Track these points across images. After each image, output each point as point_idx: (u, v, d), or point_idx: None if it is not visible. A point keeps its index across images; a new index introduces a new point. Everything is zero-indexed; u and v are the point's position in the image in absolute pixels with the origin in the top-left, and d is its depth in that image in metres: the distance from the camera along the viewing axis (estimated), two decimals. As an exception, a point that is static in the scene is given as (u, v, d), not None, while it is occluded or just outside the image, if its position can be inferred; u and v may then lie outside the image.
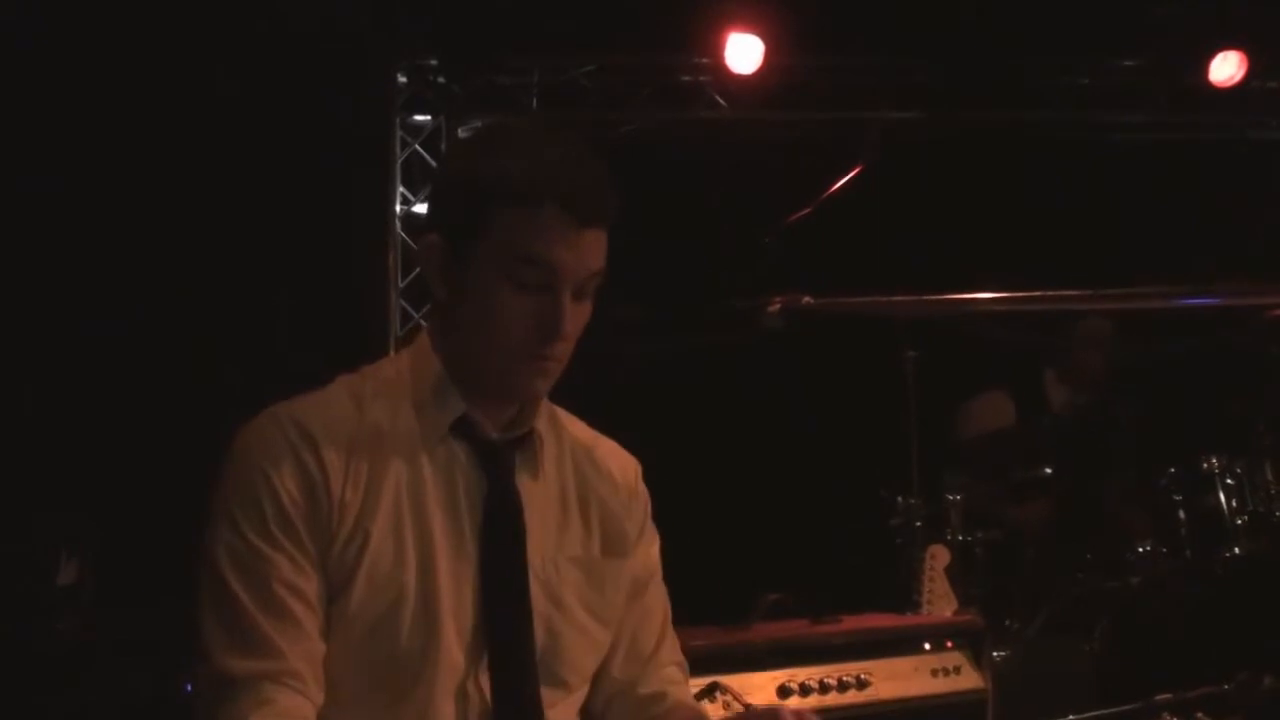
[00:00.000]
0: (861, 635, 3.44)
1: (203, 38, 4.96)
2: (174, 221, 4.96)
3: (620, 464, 1.97)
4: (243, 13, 5.00)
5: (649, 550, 1.98)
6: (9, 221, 4.57)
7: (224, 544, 1.68)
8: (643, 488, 1.99)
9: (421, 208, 5.97)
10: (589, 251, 1.74)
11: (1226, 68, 5.92)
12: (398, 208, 5.95)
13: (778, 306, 1.68)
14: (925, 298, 1.65)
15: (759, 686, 3.15)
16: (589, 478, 1.92)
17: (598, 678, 1.92)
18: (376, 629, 1.70)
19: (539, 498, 1.84)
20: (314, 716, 1.68)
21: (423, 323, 5.80)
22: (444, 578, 1.73)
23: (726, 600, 3.45)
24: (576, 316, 1.76)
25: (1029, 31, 5.74)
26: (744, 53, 5.72)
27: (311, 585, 1.68)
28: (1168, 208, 6.06)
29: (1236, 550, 4.62)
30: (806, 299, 1.69)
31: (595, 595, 1.86)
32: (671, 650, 2.00)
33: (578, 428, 1.97)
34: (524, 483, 1.83)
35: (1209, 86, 5.97)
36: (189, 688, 1.74)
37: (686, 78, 6.06)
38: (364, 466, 1.72)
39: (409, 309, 5.90)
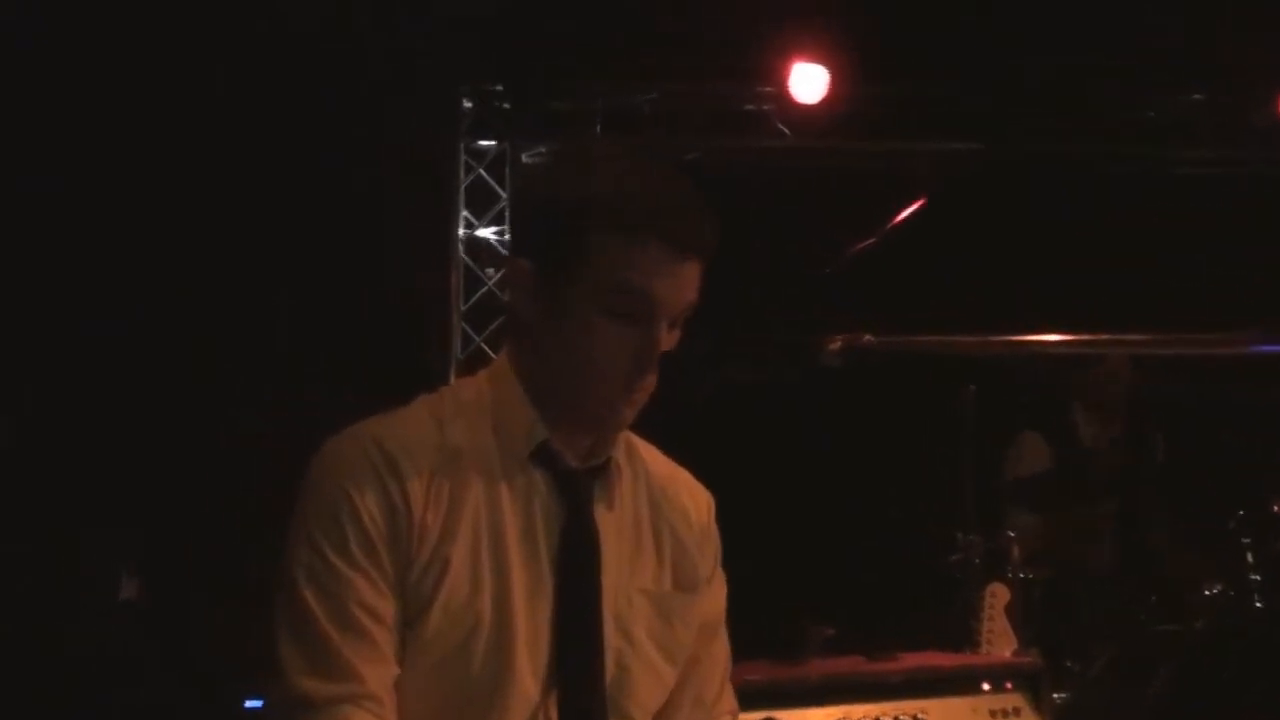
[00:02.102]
0: (919, 673, 3.39)
1: (272, 58, 5.01)
2: (239, 242, 5.01)
3: (695, 499, 1.93)
4: (311, 34, 5.05)
5: (719, 593, 1.94)
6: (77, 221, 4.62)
7: (304, 564, 1.66)
8: (715, 527, 1.95)
9: (485, 232, 6.01)
10: (687, 283, 1.70)
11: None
12: (461, 231, 5.99)
13: (838, 345, 1.65)
14: (987, 339, 1.62)
15: (814, 723, 3.11)
16: (664, 510, 1.88)
17: (659, 718, 1.88)
18: (450, 657, 1.67)
19: (613, 528, 1.81)
20: None
21: (484, 345, 5.89)
22: (519, 607, 1.70)
23: (781, 635, 3.42)
24: (666, 344, 1.72)
25: (1095, 63, 5.69)
26: (808, 82, 5.72)
27: (390, 608, 1.66)
28: (1233, 245, 5.97)
29: (1306, 596, 4.53)
30: (868, 337, 1.66)
31: (665, 630, 1.83)
32: (729, 699, 1.96)
33: (654, 457, 1.93)
34: (600, 513, 1.79)
35: (1277, 122, 5.88)
36: (259, 705, 1.73)
37: (750, 106, 6.05)
38: (445, 490, 1.70)
39: (470, 332, 5.93)
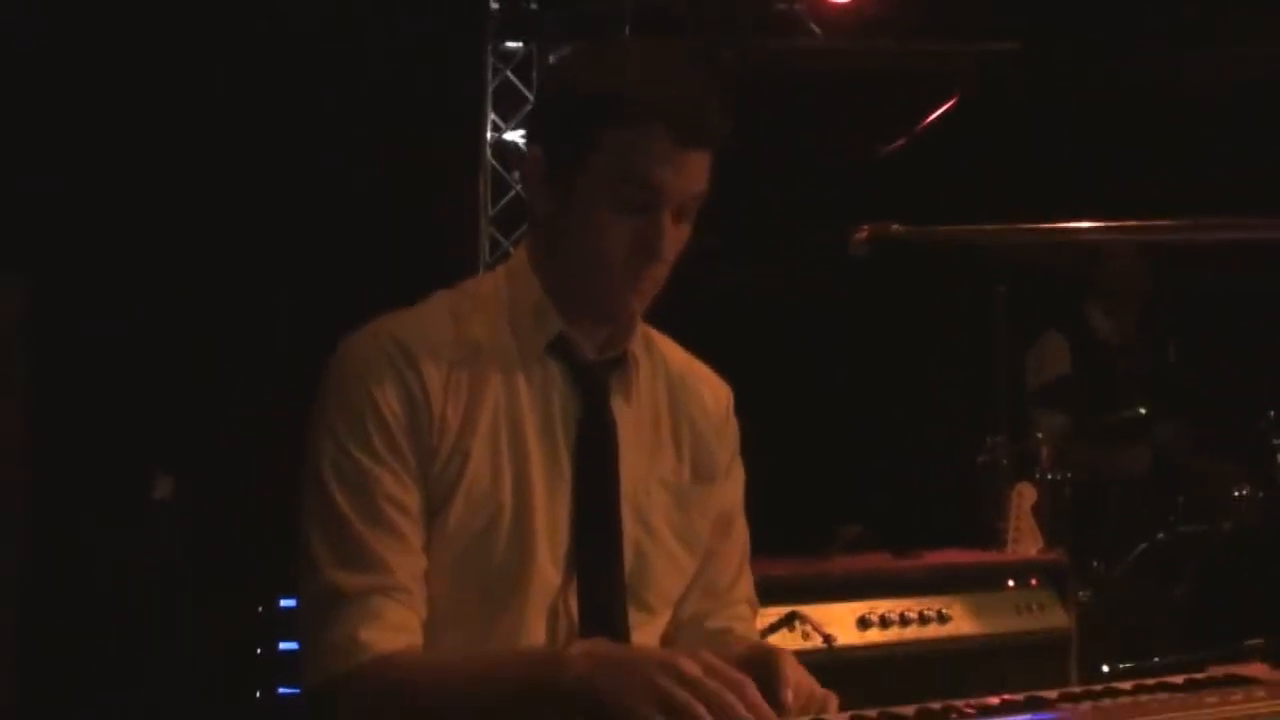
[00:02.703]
0: (944, 570, 3.43)
1: (279, 11, 4.97)
2: (267, 144, 5.00)
3: (713, 390, 1.95)
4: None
5: (736, 484, 1.96)
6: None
7: (329, 459, 1.68)
8: (734, 418, 1.97)
9: (512, 135, 5.97)
10: (692, 173, 1.70)
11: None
12: (489, 134, 5.94)
13: (865, 234, 1.64)
14: (1018, 226, 1.61)
15: (838, 618, 3.15)
16: (682, 402, 1.90)
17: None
18: (472, 546, 1.70)
19: (632, 420, 1.83)
20: (420, 629, 1.69)
21: (512, 250, 5.87)
22: (539, 497, 1.73)
23: (809, 532, 3.45)
24: (675, 239, 1.73)
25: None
26: (841, -19, 5.62)
27: (414, 499, 1.68)
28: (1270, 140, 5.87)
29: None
30: (895, 227, 1.65)
31: (683, 520, 1.85)
32: (745, 588, 1.98)
33: (672, 350, 1.95)
34: (617, 405, 1.81)
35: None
36: (294, 604, 1.76)
37: (782, 5, 5.95)
38: (463, 383, 1.72)
39: (499, 236, 5.90)
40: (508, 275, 1.83)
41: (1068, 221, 1.76)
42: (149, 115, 4.76)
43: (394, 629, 1.65)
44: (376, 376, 1.69)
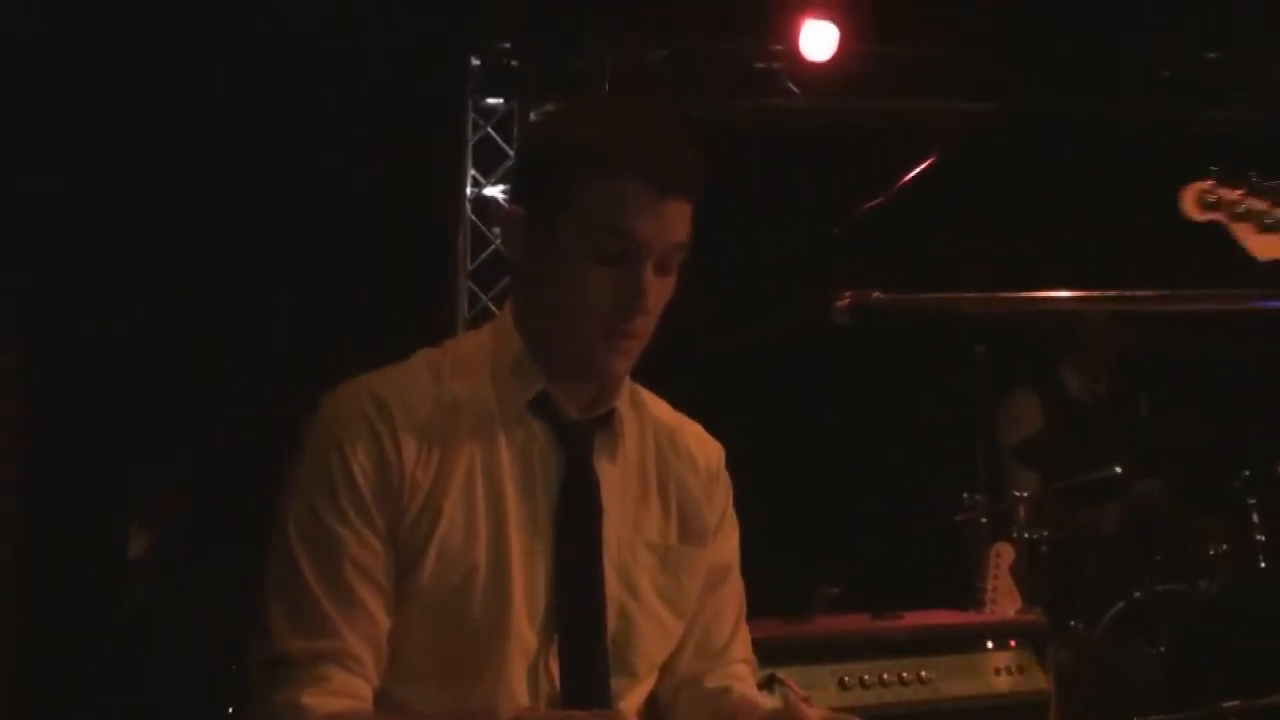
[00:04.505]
0: (923, 632, 3.42)
1: (279, 11, 4.99)
2: (242, 200, 5.01)
3: (703, 449, 1.93)
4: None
5: (729, 541, 1.94)
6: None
7: (295, 518, 1.67)
8: (725, 475, 1.94)
9: (492, 190, 5.99)
10: (671, 223, 1.70)
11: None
12: (469, 190, 5.96)
13: (847, 301, 1.65)
14: (997, 295, 1.62)
15: (819, 680, 3.13)
16: (670, 461, 1.88)
17: (666, 668, 1.88)
18: (447, 604, 1.68)
19: (617, 480, 1.81)
20: (370, 696, 1.67)
21: (491, 305, 5.88)
22: (516, 556, 1.71)
23: (787, 592, 3.44)
24: (659, 292, 1.72)
25: (1109, 22, 5.64)
26: (819, 40, 5.67)
27: (380, 564, 1.67)
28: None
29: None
30: (876, 294, 1.66)
31: (671, 583, 1.82)
32: (743, 646, 1.95)
33: (661, 409, 1.93)
34: (602, 465, 1.79)
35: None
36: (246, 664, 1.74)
37: (760, 64, 6.01)
38: (439, 443, 1.71)
39: (478, 291, 5.91)
40: (492, 333, 1.82)
41: (1045, 288, 1.77)
42: (126, 180, 4.78)
43: (338, 694, 1.63)
44: (350, 434, 1.68)
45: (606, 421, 1.81)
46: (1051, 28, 5.69)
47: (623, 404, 1.84)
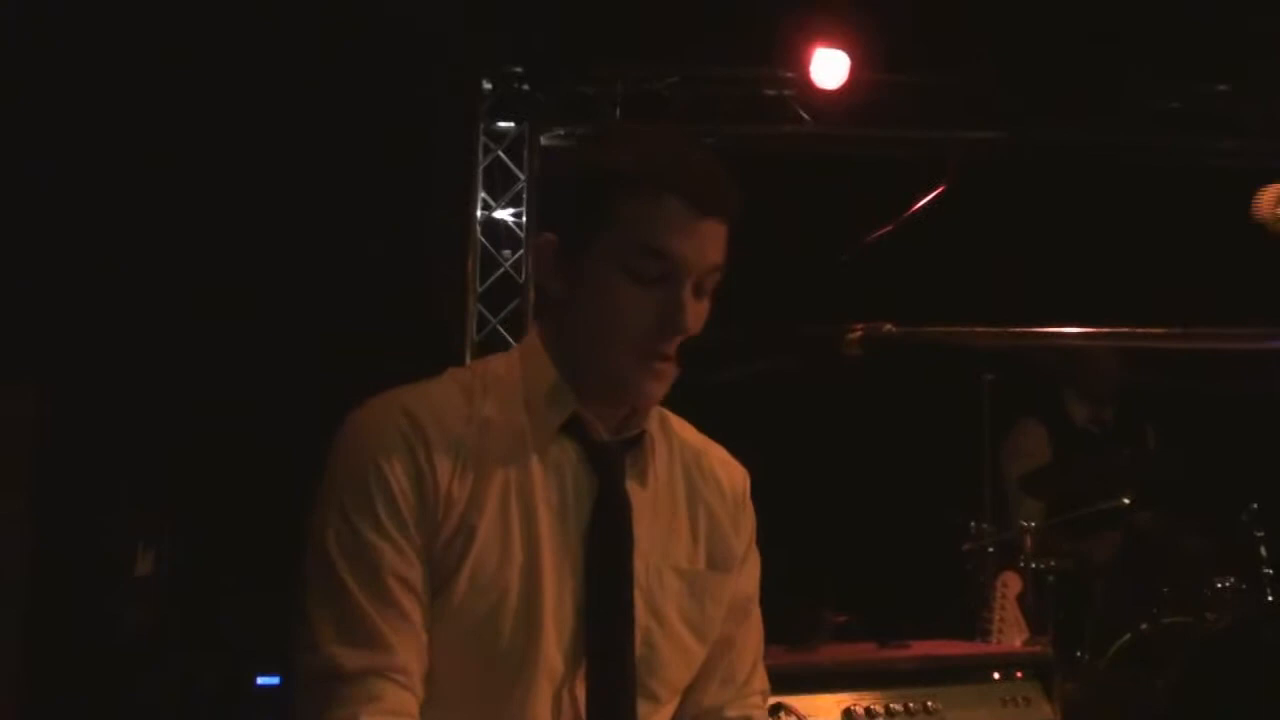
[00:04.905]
0: (930, 662, 3.40)
1: (290, 36, 5.02)
2: (253, 222, 5.03)
3: (729, 474, 1.93)
4: (331, 12, 5.05)
5: (754, 570, 1.95)
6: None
7: (334, 532, 1.67)
8: (749, 503, 1.95)
9: (502, 214, 6.02)
10: (708, 243, 1.71)
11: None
12: (479, 213, 5.99)
13: (859, 334, 1.64)
14: (1010, 329, 1.62)
15: (824, 709, 3.12)
16: (698, 486, 1.88)
17: (690, 697, 1.89)
18: (478, 627, 1.68)
19: (647, 504, 1.81)
20: (417, 713, 1.66)
21: (500, 328, 5.89)
22: (548, 580, 1.70)
23: (793, 621, 3.43)
24: (695, 315, 1.72)
25: (1120, 53, 5.66)
26: (830, 68, 5.70)
27: (419, 576, 1.67)
28: (1253, 238, 5.93)
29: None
30: (888, 327, 1.66)
31: (695, 609, 1.83)
32: (761, 679, 1.97)
33: (688, 432, 1.93)
34: (632, 487, 1.79)
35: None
36: (272, 682, 1.73)
37: (771, 91, 6.04)
38: (473, 462, 1.70)
39: (487, 313, 5.93)
40: (521, 359, 1.81)
41: (1053, 322, 1.77)
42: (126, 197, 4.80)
43: (394, 714, 1.63)
44: (386, 450, 1.68)
45: (636, 444, 1.82)
46: (1061, 58, 5.71)
47: (653, 426, 1.84)
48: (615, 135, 1.88)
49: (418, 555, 1.67)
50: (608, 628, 1.74)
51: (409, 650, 1.65)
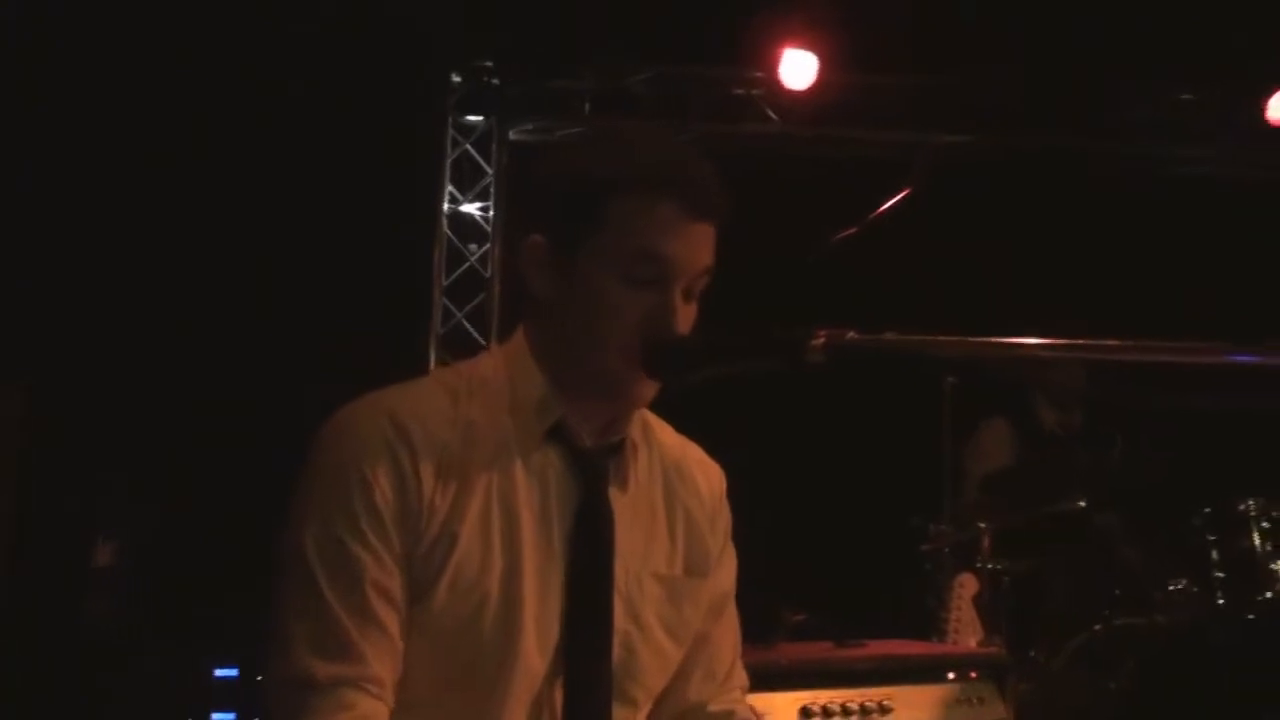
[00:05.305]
0: (886, 661, 3.43)
1: (258, 28, 5.00)
2: (220, 213, 5.01)
3: (707, 476, 1.95)
4: (302, 6, 5.04)
5: (729, 568, 1.96)
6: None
7: (313, 539, 1.65)
8: (725, 503, 1.97)
9: (469, 207, 6.01)
10: (700, 246, 1.72)
11: (1286, 107, 5.88)
12: (445, 206, 5.98)
13: (821, 341, 1.66)
14: (970, 340, 1.64)
15: (781, 708, 3.14)
16: (677, 490, 1.89)
17: (672, 694, 1.90)
18: (457, 632, 1.68)
19: (628, 509, 1.81)
20: None
21: (465, 322, 5.89)
22: (529, 585, 1.71)
23: (751, 619, 3.45)
24: (685, 318, 1.73)
25: (1086, 60, 5.71)
26: (798, 69, 5.73)
27: (397, 584, 1.66)
28: (1216, 249, 6.01)
29: (1269, 594, 4.58)
30: (851, 335, 1.68)
31: (674, 614, 1.84)
32: (740, 673, 1.99)
33: (665, 432, 1.94)
34: (613, 493, 1.80)
35: (1266, 125, 5.92)
36: (230, 674, 1.73)
37: (739, 91, 6.06)
38: (456, 468, 1.70)
39: (452, 307, 5.93)
40: (506, 362, 1.80)
41: (1018, 327, 1.80)
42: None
43: None
44: (371, 456, 1.67)
45: (618, 450, 1.82)
46: (1030, 64, 5.75)
47: (635, 431, 1.85)
48: (605, 137, 1.84)
49: (398, 564, 1.66)
50: (587, 633, 1.74)
51: (382, 661, 1.65)
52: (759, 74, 5.93)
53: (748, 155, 6.03)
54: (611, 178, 1.69)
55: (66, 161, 4.66)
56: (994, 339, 1.66)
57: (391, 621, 1.65)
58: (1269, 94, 5.90)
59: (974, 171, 5.99)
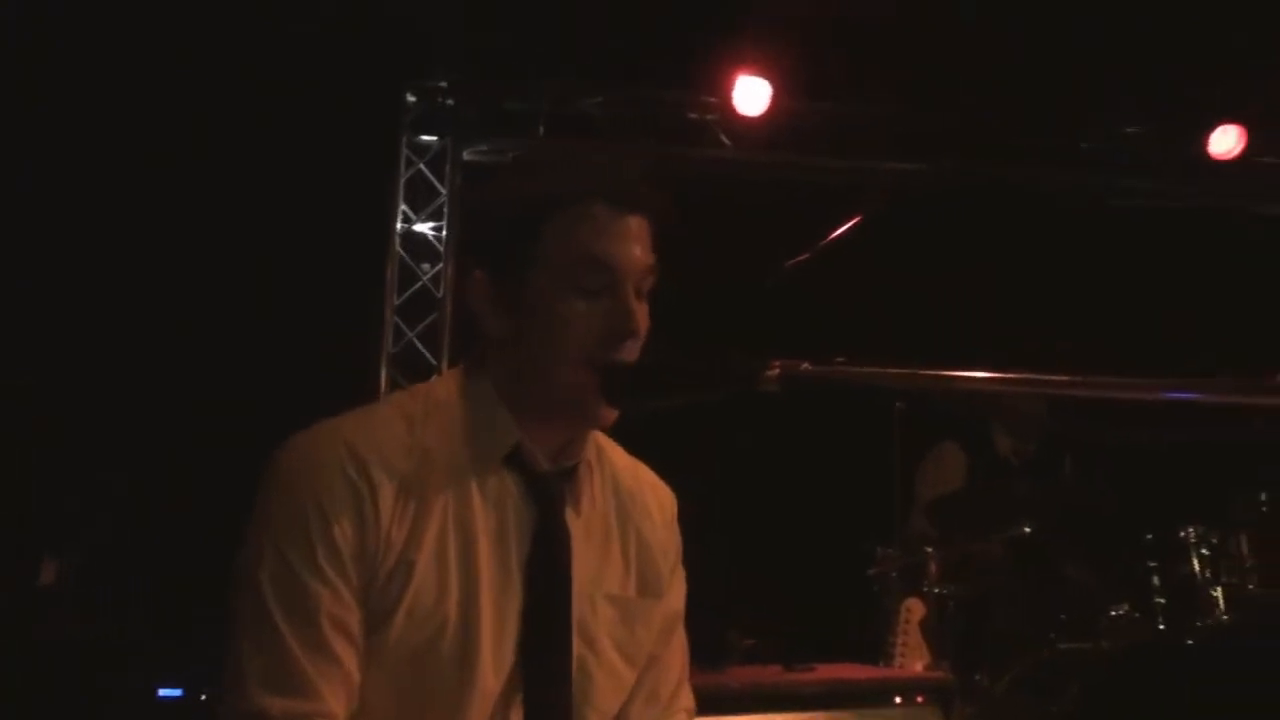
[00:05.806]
0: (834, 685, 3.46)
1: (215, 46, 4.99)
2: (174, 229, 4.98)
3: (658, 498, 1.96)
4: (257, 22, 5.03)
5: (680, 589, 1.97)
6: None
7: (269, 572, 1.63)
8: (676, 525, 1.98)
9: (422, 227, 6.01)
10: (638, 241, 1.73)
11: (1226, 141, 5.99)
12: (399, 225, 5.97)
13: (776, 372, 1.69)
14: (921, 373, 1.67)
15: (730, 731, 3.16)
16: (630, 512, 1.90)
17: (616, 715, 1.90)
18: (415, 659, 1.68)
19: (581, 532, 1.82)
20: None
21: (416, 341, 5.87)
22: (486, 610, 1.71)
23: (701, 643, 3.47)
24: (641, 317, 1.74)
25: (1036, 93, 5.79)
26: (752, 95, 5.78)
27: (354, 618, 1.65)
28: (1161, 279, 6.11)
29: (1209, 620, 4.65)
30: (805, 365, 1.70)
31: (627, 635, 1.84)
32: (686, 697, 1.99)
33: (617, 453, 1.95)
34: (568, 516, 1.81)
35: (1208, 158, 6.04)
36: (175, 694, 1.72)
37: (694, 115, 6.10)
38: (413, 496, 1.69)
39: (403, 326, 5.91)
40: (460, 389, 1.80)
41: (968, 359, 1.83)
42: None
43: None
44: (327, 485, 1.65)
45: (573, 473, 1.83)
46: (980, 95, 5.83)
47: (590, 454, 1.86)
48: (534, 161, 1.88)
49: (355, 597, 1.65)
50: (544, 657, 1.75)
51: (337, 695, 1.64)
52: (713, 99, 5.97)
53: (702, 180, 6.08)
54: (544, 194, 1.72)
55: (66, 161, 4.61)
56: (948, 372, 1.69)
57: (347, 655, 1.64)
58: (1211, 129, 6.01)
59: (927, 200, 6.06)
